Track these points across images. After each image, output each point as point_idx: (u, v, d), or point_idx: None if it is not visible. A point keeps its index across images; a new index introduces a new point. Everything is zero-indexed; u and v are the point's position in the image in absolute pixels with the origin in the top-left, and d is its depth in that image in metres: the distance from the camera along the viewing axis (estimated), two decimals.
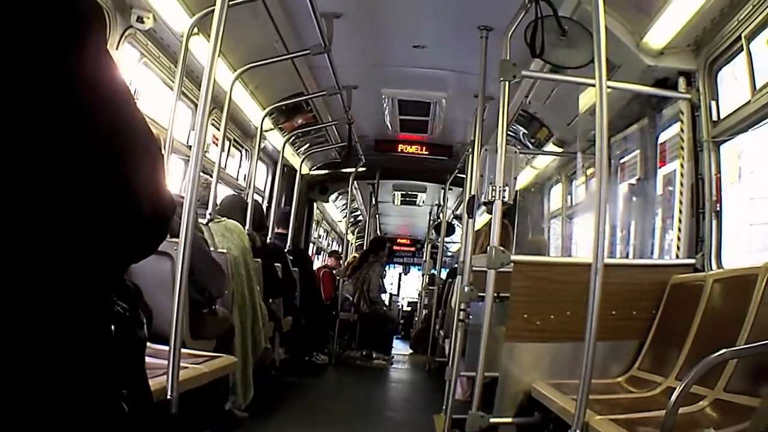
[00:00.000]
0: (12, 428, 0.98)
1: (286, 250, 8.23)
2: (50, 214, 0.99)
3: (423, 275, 15.10)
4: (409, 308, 20.39)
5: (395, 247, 23.39)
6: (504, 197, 4.23)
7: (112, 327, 1.24)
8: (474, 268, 4.95)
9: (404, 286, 26.22)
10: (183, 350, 3.28)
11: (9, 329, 0.97)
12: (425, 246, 16.24)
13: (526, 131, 8.53)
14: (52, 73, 0.98)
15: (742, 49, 4.29)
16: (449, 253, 17.49)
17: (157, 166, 1.23)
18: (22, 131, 0.95)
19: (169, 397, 3.06)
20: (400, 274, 26.59)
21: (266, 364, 6.51)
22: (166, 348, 3.20)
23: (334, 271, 12.01)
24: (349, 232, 13.82)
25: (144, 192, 1.15)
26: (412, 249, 25.29)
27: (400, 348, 13.73)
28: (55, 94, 0.98)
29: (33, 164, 0.96)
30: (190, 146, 6.28)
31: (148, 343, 3.58)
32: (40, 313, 1.01)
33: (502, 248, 4.16)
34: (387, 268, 17.48)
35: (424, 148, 11.22)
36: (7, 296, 0.97)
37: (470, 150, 6.81)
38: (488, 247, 4.18)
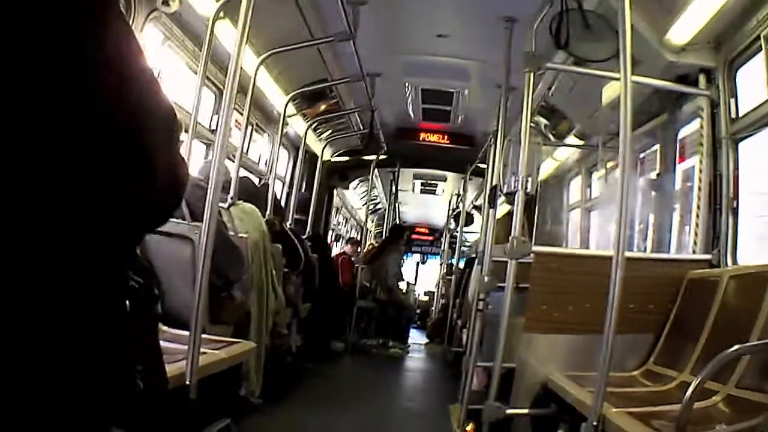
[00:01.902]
0: (24, 404, 1.00)
1: (305, 237, 8.24)
2: (66, 186, 1.00)
3: (441, 264, 15.04)
4: (426, 297, 20.30)
5: (413, 236, 23.39)
6: (527, 188, 4.25)
7: (127, 302, 1.25)
8: (492, 259, 4.96)
9: (422, 275, 26.14)
10: (202, 335, 3.28)
11: (22, 303, 0.98)
12: (443, 235, 16.20)
13: (547, 123, 8.51)
14: (73, 52, 0.99)
15: (761, 49, 4.30)
16: (467, 243, 17.42)
17: (174, 141, 1.25)
18: (40, 107, 0.96)
19: (188, 382, 3.05)
20: (417, 263, 26.53)
21: (283, 350, 6.55)
22: (185, 333, 3.20)
23: (352, 258, 12.01)
24: (368, 219, 13.81)
25: (161, 165, 1.16)
26: (431, 238, 25.23)
27: (416, 337, 13.73)
28: (76, 72, 0.99)
29: (51, 140, 0.97)
30: (213, 130, 6.32)
31: (167, 328, 3.61)
32: (56, 286, 1.02)
33: (523, 238, 4.17)
34: (405, 258, 17.42)
35: (445, 137, 11.20)
36: (23, 271, 0.98)
37: (492, 140, 6.80)
38: (510, 238, 4.19)
